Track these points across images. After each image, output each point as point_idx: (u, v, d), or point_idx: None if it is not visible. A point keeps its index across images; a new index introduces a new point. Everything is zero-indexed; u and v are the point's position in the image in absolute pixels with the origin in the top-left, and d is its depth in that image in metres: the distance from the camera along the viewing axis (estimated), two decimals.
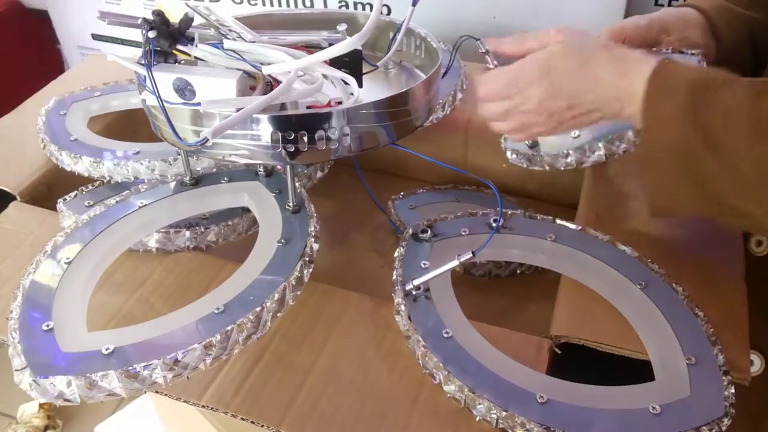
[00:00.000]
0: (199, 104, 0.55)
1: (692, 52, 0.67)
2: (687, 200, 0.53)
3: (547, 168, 0.70)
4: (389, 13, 1.10)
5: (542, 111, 0.59)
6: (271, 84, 0.59)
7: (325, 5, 1.13)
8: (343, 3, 1.12)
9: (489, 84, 0.61)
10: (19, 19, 1.46)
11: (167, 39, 0.56)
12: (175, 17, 0.58)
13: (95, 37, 0.59)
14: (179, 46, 0.57)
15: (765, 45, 0.71)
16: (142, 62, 0.56)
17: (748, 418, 0.57)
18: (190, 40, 0.58)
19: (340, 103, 0.60)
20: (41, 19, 1.44)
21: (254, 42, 0.61)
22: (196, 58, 0.59)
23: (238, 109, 0.52)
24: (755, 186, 0.49)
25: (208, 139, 0.50)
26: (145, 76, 0.55)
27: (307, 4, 1.14)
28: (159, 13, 0.55)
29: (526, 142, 0.71)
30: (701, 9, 0.71)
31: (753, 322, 0.58)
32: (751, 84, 0.50)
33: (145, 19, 0.55)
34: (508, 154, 0.73)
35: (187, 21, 0.57)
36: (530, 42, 0.61)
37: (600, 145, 0.66)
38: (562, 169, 0.69)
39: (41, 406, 1.33)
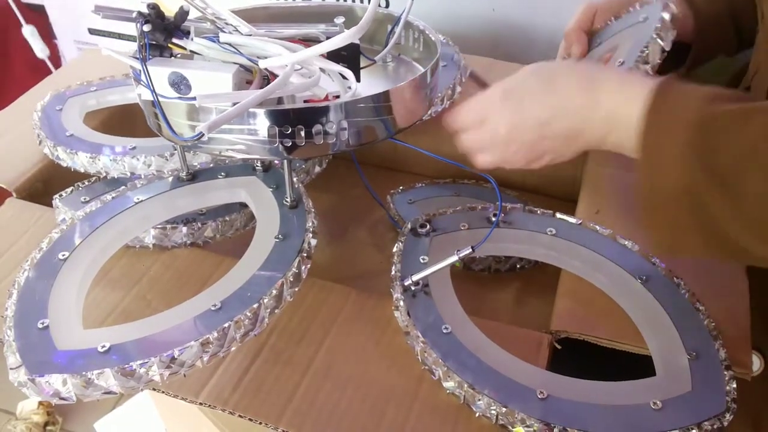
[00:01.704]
0: (194, 99, 0.54)
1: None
2: (694, 244, 0.48)
3: None
4: (387, 5, 1.10)
5: (513, 141, 0.55)
6: (267, 78, 0.58)
7: None
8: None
9: (459, 116, 0.59)
10: (15, 13, 1.45)
11: (162, 32, 0.55)
12: (171, 10, 0.57)
13: (92, 31, 0.59)
14: (175, 40, 0.56)
15: (748, 22, 0.70)
16: (137, 56, 0.55)
17: (749, 416, 0.56)
18: (186, 34, 0.57)
19: (337, 97, 0.59)
20: (37, 13, 1.44)
21: (250, 35, 0.60)
22: (191, 51, 0.58)
23: (235, 104, 0.52)
24: None
25: (203, 134, 0.49)
26: (140, 71, 0.55)
27: None
28: (154, 7, 0.54)
29: None
30: None
31: (751, 322, 0.58)
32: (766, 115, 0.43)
33: (140, 13, 0.54)
34: None
35: (182, 14, 0.56)
36: None
37: None
38: None
39: (40, 402, 1.33)
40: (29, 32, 1.41)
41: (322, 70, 0.59)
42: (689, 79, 0.51)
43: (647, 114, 0.47)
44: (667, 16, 0.62)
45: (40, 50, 1.43)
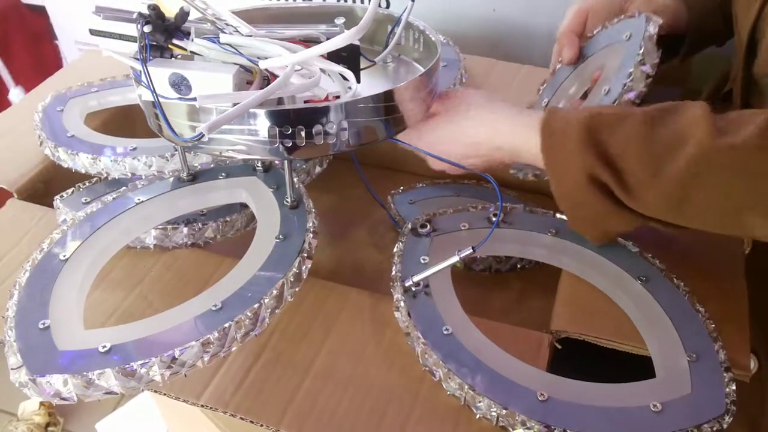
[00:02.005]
0: (194, 99, 0.54)
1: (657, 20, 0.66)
2: (597, 214, 0.57)
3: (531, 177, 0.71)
4: (388, 6, 1.10)
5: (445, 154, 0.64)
6: (268, 78, 0.58)
7: None
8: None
9: (416, 143, 0.65)
10: (16, 15, 1.46)
11: (163, 33, 0.55)
12: (171, 11, 0.57)
13: (92, 32, 0.59)
14: (175, 41, 0.56)
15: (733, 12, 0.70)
16: (138, 57, 0.55)
17: (746, 417, 0.57)
18: (186, 35, 0.57)
19: (338, 97, 0.59)
20: (38, 15, 1.44)
21: (251, 36, 0.60)
22: (192, 52, 0.58)
23: (235, 104, 0.52)
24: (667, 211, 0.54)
25: (203, 135, 0.49)
26: (140, 72, 0.55)
27: None
28: (154, 7, 0.54)
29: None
30: None
31: None
32: (642, 112, 0.54)
33: (140, 14, 0.54)
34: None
35: (182, 15, 0.56)
36: None
37: None
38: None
39: (42, 403, 1.33)
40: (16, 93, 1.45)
41: (322, 70, 0.59)
42: (670, 82, 0.64)
43: (543, 127, 0.57)
44: (649, 42, 0.64)
45: (16, 95, 1.46)
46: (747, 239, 0.66)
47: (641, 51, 0.64)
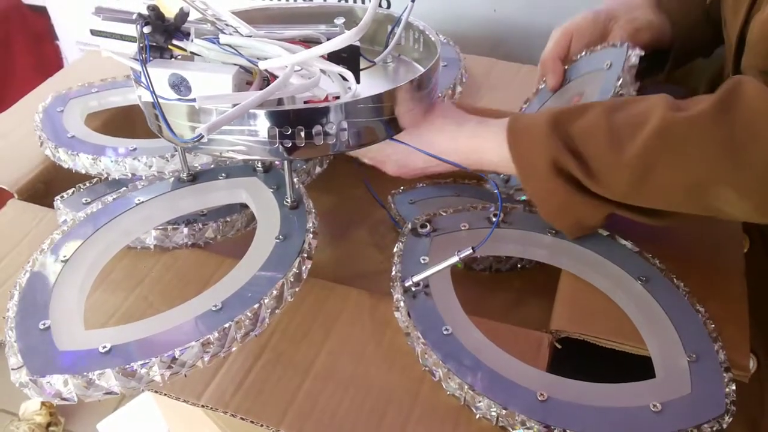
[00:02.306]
0: (194, 100, 0.54)
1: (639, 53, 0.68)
2: (562, 199, 0.58)
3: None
4: (389, 6, 1.10)
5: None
6: (267, 79, 0.58)
7: None
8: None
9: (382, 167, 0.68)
10: (18, 15, 1.46)
11: (162, 34, 0.55)
12: (171, 11, 0.57)
13: (93, 32, 0.59)
14: (175, 42, 0.56)
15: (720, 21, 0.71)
16: (138, 58, 0.55)
17: (745, 417, 0.57)
18: (186, 35, 0.57)
19: (337, 97, 0.59)
20: (40, 15, 1.44)
21: (250, 36, 0.60)
22: (192, 53, 0.58)
23: (234, 105, 0.52)
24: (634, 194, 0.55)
25: (202, 136, 0.49)
26: (140, 72, 0.55)
27: None
28: (154, 8, 0.54)
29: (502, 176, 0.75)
30: None
31: None
32: (604, 103, 0.57)
33: (140, 14, 0.54)
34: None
35: (182, 16, 0.56)
36: None
37: None
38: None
39: (43, 403, 1.33)
40: None
41: (322, 71, 0.59)
42: (669, 82, 0.70)
43: (509, 127, 0.60)
44: (628, 74, 0.67)
45: None
46: (739, 237, 0.67)
47: (619, 83, 0.66)
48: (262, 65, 0.56)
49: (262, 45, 0.59)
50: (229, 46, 0.58)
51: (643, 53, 0.67)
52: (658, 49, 0.74)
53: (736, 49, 0.65)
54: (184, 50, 0.58)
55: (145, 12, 0.54)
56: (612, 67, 0.69)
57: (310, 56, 0.56)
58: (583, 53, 0.74)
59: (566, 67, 0.76)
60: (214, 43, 0.58)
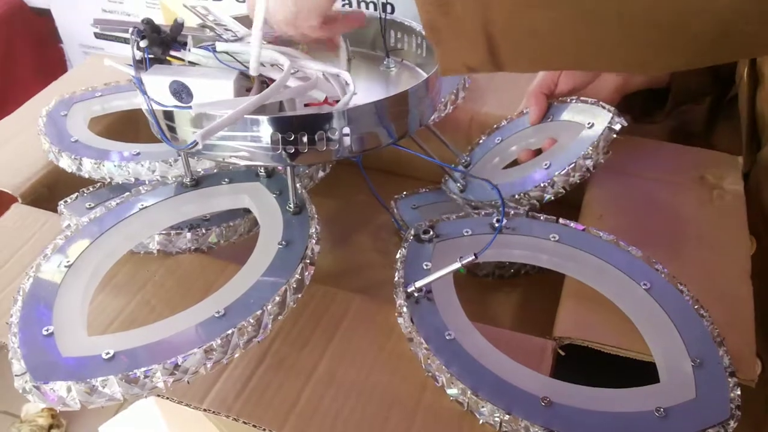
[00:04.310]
0: (190, 107, 0.54)
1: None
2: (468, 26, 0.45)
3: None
4: (393, 11, 1.10)
5: None
6: (266, 83, 0.58)
7: None
8: (347, 2, 1.11)
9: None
10: (21, 18, 1.46)
11: (159, 46, 0.55)
12: (176, 13, 0.57)
13: (98, 35, 0.59)
14: (172, 52, 0.57)
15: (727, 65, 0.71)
16: (133, 71, 0.55)
17: (750, 422, 0.56)
18: (183, 45, 0.57)
19: (338, 101, 0.59)
20: (44, 18, 1.44)
21: (248, 43, 0.60)
22: (190, 62, 0.58)
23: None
24: None
25: (197, 143, 0.49)
26: (141, 79, 0.55)
27: None
28: (149, 21, 0.54)
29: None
30: None
31: None
32: None
33: (135, 28, 0.54)
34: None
35: (177, 27, 0.56)
36: None
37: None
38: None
39: None
40: None
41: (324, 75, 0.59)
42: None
43: None
44: (604, 141, 0.68)
45: None
46: (745, 239, 0.66)
47: (590, 148, 0.67)
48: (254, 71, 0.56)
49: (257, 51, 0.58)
50: (226, 53, 0.58)
51: (626, 124, 0.69)
52: (655, 88, 0.74)
53: None
54: (183, 60, 0.58)
55: (141, 26, 0.54)
56: (593, 128, 0.70)
57: (304, 62, 0.56)
58: (573, 99, 0.75)
59: (553, 102, 0.77)
60: (210, 51, 0.58)
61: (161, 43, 0.55)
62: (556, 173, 0.68)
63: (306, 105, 0.58)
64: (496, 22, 0.43)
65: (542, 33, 0.43)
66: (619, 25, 0.41)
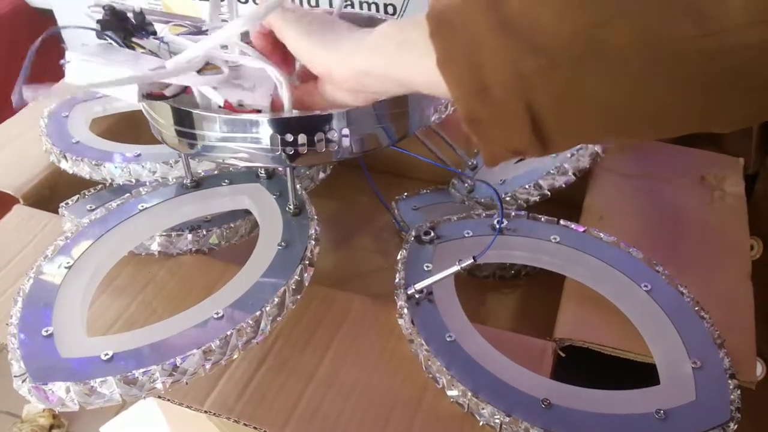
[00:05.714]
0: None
1: None
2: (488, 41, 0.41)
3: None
4: (394, 12, 1.10)
5: None
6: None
7: (330, 5, 1.12)
8: (349, 3, 1.11)
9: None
10: (24, 19, 1.46)
11: (122, 32, 0.55)
12: (174, 10, 0.57)
13: (99, 36, 0.59)
14: (135, 39, 0.56)
15: None
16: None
17: (752, 423, 0.56)
18: (151, 34, 0.57)
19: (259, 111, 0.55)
20: (46, 19, 1.45)
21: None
22: (150, 51, 0.57)
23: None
24: None
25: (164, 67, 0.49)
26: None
27: (312, 3, 1.13)
28: (110, 8, 0.55)
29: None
30: None
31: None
32: None
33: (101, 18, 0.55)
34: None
35: (139, 15, 0.56)
36: None
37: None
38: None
39: None
40: None
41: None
42: None
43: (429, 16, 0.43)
44: (563, 176, 0.70)
45: None
46: (745, 240, 0.66)
47: (554, 171, 0.70)
48: (169, 64, 0.53)
49: (182, 41, 0.57)
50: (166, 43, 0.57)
51: (603, 155, 0.70)
52: None
53: None
54: (143, 48, 0.57)
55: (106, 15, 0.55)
56: (574, 155, 0.71)
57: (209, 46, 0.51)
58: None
59: None
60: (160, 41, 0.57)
61: (123, 29, 0.55)
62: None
63: (221, 107, 0.56)
64: (539, 97, 0.40)
65: (596, 100, 0.40)
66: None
